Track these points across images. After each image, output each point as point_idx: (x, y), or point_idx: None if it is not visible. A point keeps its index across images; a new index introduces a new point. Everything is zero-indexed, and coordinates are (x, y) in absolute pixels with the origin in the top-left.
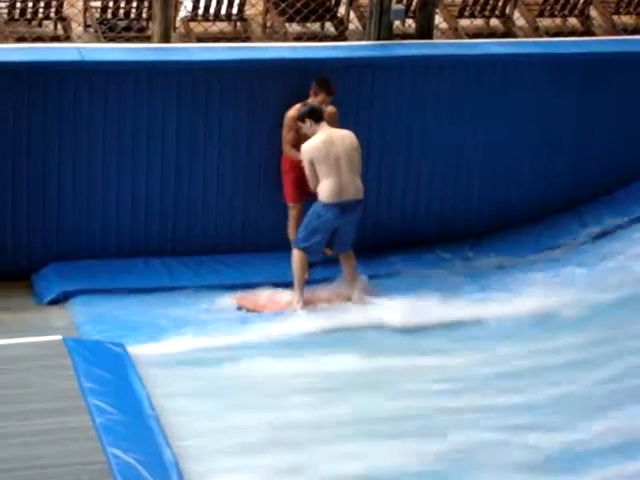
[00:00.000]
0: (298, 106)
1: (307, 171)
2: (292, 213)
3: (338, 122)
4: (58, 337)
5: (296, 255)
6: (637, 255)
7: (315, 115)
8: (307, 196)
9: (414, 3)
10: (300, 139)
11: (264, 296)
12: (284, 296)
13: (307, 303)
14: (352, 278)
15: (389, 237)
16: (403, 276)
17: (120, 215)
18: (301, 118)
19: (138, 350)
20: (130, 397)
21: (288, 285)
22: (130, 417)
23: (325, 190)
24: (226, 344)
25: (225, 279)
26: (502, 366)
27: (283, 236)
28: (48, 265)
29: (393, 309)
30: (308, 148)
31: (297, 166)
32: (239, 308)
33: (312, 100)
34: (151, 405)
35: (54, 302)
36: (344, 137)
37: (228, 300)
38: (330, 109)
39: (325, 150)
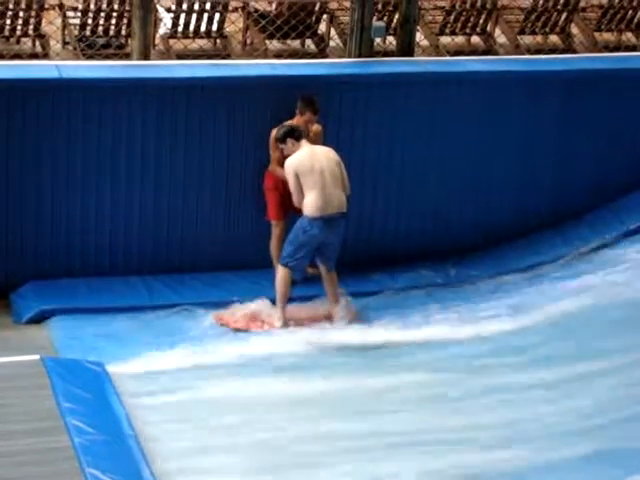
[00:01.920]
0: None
1: (291, 185)
2: (275, 231)
3: (322, 140)
4: (36, 356)
5: (281, 272)
6: (620, 271)
7: (296, 134)
8: (290, 213)
9: (395, 20)
10: (286, 158)
11: (244, 314)
12: (265, 314)
13: (288, 322)
14: (335, 297)
15: (370, 255)
16: (384, 294)
17: (99, 233)
18: (282, 139)
19: (117, 369)
20: (109, 417)
21: None
22: (109, 437)
23: (310, 205)
24: (206, 362)
25: (205, 297)
26: (476, 387)
27: (264, 254)
28: (26, 283)
29: (374, 329)
30: (293, 162)
31: (281, 184)
32: (219, 327)
33: (298, 119)
34: (130, 425)
35: (32, 321)
36: (326, 152)
37: (208, 318)
38: (316, 128)
39: (308, 164)
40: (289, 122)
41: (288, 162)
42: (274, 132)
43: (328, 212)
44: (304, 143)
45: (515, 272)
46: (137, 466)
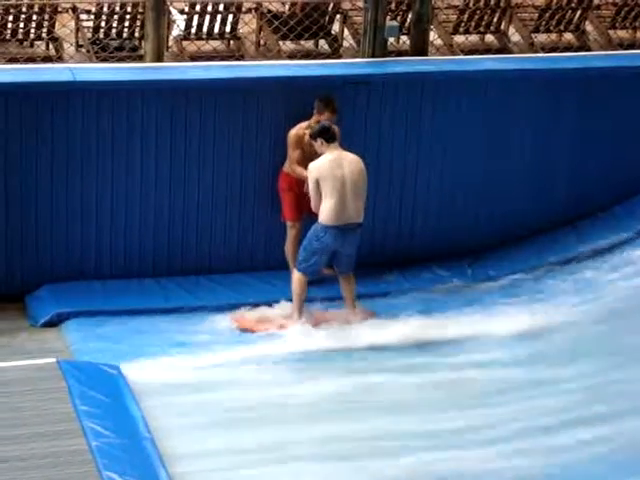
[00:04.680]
0: (302, 124)
1: (311, 190)
2: (291, 232)
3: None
4: (52, 359)
5: (297, 277)
6: (635, 271)
7: (327, 135)
8: (306, 215)
9: (408, 20)
10: (305, 158)
11: (261, 316)
12: (282, 317)
13: (305, 324)
14: (352, 301)
15: (386, 255)
16: (400, 295)
17: (114, 236)
18: (314, 136)
19: (133, 372)
20: (126, 419)
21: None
22: (126, 440)
23: (326, 212)
24: (222, 364)
25: (221, 299)
26: (493, 384)
27: (278, 255)
28: (42, 286)
29: (390, 330)
30: (315, 167)
31: (297, 184)
32: (236, 328)
33: (315, 119)
34: (147, 427)
35: (48, 324)
36: (352, 161)
37: (224, 320)
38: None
39: (331, 170)
40: (306, 122)
41: (311, 166)
42: (292, 132)
43: (344, 221)
44: (334, 147)
45: (531, 271)
46: (154, 469)
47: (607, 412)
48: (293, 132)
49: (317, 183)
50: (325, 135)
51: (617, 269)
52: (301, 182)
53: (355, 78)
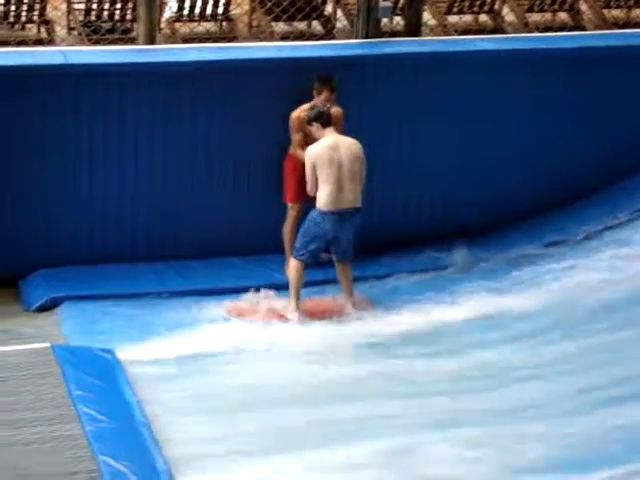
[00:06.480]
0: (304, 107)
1: (308, 174)
2: (291, 214)
3: (344, 123)
4: (46, 344)
5: (294, 264)
6: (631, 252)
7: (322, 119)
8: (307, 197)
9: (402, 0)
10: (308, 140)
11: (257, 303)
12: (278, 304)
13: (301, 312)
14: (349, 289)
15: (381, 238)
16: (395, 278)
17: (107, 220)
18: (309, 121)
19: (128, 356)
20: (121, 404)
21: (278, 289)
22: (121, 424)
23: (323, 198)
24: (216, 350)
25: (215, 283)
26: (491, 368)
27: (273, 239)
28: (35, 271)
29: (385, 316)
30: (312, 152)
31: (300, 166)
32: (230, 314)
33: (316, 99)
34: (142, 411)
35: (42, 309)
36: (349, 145)
37: (219, 306)
38: (335, 110)
39: (328, 155)
40: (308, 104)
41: (308, 150)
42: (294, 114)
43: (342, 207)
44: (330, 131)
45: (524, 253)
46: (150, 453)
47: (618, 394)
48: (294, 115)
49: (313, 168)
50: (321, 119)
51: (614, 250)
52: (304, 165)
53: (348, 59)
